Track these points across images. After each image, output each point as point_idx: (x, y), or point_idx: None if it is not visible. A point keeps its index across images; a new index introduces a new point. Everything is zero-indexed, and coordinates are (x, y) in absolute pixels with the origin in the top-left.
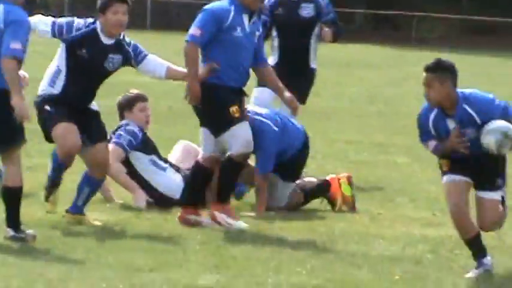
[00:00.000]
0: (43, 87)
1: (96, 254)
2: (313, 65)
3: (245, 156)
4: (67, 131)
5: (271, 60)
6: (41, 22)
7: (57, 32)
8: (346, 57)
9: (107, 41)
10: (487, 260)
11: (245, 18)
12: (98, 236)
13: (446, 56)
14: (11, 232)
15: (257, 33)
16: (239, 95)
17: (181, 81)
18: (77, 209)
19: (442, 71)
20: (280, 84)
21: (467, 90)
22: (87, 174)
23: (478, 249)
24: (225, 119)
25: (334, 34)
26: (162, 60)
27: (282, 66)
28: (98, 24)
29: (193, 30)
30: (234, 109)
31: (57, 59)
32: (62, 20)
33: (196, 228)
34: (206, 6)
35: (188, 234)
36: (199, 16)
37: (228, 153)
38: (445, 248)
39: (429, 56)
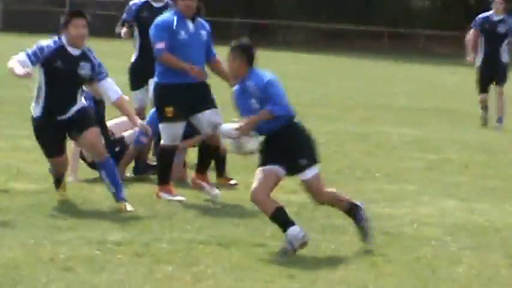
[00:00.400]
0: (32, 107)
1: (26, 216)
2: None
3: (172, 147)
4: (56, 165)
5: (133, 57)
6: (20, 61)
7: (34, 59)
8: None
9: (74, 52)
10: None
11: (188, 22)
12: (27, 202)
13: (306, 57)
14: None
15: (203, 32)
16: (188, 94)
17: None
18: (117, 198)
19: (236, 49)
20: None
21: (261, 71)
22: (96, 162)
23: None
24: (160, 115)
25: None
26: (117, 88)
27: (141, 62)
28: (63, 39)
29: (156, 45)
30: (168, 109)
31: (38, 79)
32: (33, 48)
33: (105, 195)
34: (154, 22)
35: (99, 199)
36: (152, 32)
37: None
38: (306, 210)
39: (293, 57)
